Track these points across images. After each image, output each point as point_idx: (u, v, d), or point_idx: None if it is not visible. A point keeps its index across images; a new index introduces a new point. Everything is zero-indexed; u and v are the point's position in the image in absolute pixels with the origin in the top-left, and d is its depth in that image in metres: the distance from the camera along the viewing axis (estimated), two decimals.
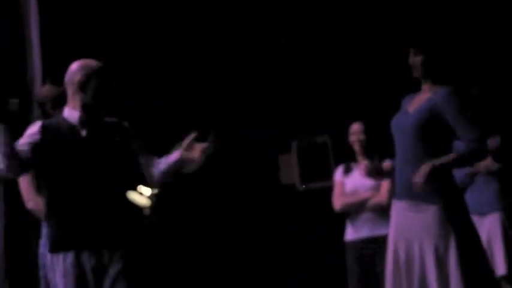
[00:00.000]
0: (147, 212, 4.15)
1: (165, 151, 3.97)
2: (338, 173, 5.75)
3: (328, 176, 6.27)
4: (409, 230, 4.05)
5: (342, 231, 5.71)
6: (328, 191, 5.85)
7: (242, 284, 7.37)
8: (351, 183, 5.59)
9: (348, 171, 5.67)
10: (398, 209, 4.14)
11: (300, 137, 7.73)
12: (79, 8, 6.51)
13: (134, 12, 6.96)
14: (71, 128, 3.93)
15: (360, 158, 5.69)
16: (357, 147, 5.70)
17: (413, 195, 4.03)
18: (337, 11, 7.18)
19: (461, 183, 5.83)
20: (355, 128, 5.71)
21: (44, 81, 5.26)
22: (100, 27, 6.56)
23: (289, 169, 7.80)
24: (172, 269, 7.16)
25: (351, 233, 5.62)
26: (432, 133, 4.06)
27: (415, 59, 4.15)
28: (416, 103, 4.15)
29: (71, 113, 3.95)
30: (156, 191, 4.13)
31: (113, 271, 3.86)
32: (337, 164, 5.89)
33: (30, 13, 5.72)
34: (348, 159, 5.76)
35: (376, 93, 7.04)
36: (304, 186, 7.68)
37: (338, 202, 5.64)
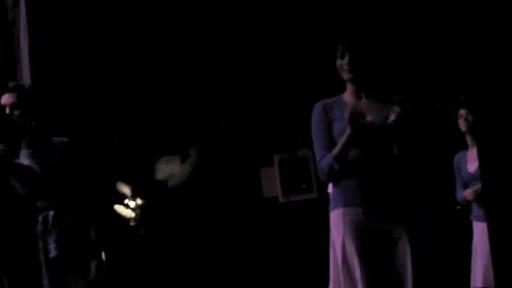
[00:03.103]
0: (133, 223, 4.12)
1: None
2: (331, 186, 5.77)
3: (310, 189, 6.30)
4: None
5: (324, 243, 5.73)
6: (310, 203, 5.88)
7: None
8: None
9: None
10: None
11: (282, 150, 7.76)
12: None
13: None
14: None
15: None
16: None
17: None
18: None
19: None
20: None
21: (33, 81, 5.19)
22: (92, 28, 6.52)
23: (271, 182, 7.83)
24: (156, 280, 7.17)
25: None
26: None
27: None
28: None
29: None
30: (141, 202, 4.10)
31: None
32: (318, 177, 5.91)
33: (20, 15, 5.69)
34: None
35: None
36: (285, 200, 7.71)
37: None
